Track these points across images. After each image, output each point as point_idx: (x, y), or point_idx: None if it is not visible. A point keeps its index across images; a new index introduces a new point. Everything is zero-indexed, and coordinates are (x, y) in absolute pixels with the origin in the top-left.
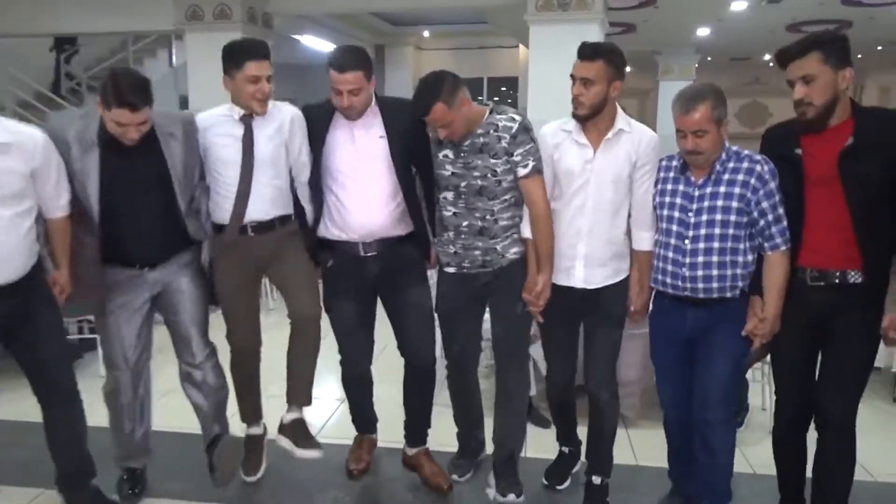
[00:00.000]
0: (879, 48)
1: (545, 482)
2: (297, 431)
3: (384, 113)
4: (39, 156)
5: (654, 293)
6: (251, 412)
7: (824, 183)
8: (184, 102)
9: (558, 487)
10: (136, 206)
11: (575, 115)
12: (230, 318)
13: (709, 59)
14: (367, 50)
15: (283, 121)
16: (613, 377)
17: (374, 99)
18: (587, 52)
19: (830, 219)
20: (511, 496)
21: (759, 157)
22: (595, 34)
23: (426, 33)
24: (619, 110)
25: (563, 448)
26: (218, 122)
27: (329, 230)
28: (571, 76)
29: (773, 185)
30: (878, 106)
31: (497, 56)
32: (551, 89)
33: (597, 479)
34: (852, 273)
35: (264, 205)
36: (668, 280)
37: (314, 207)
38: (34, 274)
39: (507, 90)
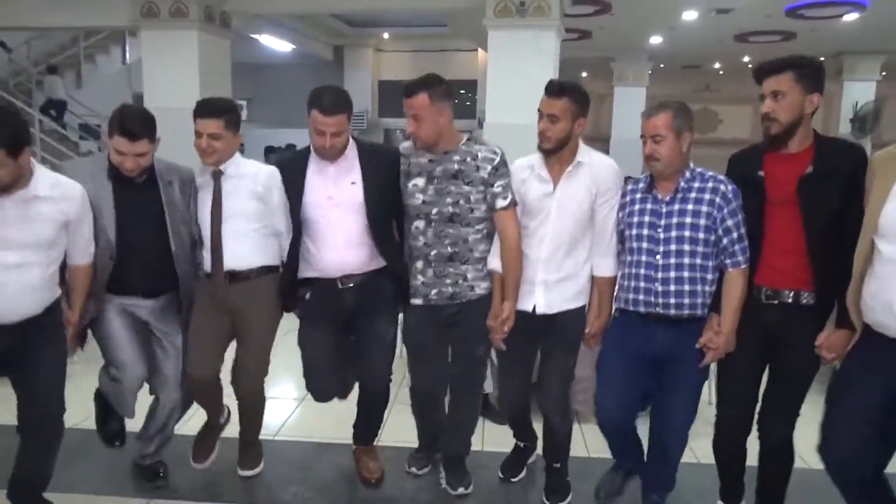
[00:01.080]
0: (822, 59)
1: (501, 475)
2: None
3: (361, 158)
4: (78, 207)
5: (617, 313)
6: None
7: (784, 205)
8: (138, 100)
9: (513, 479)
10: (145, 238)
11: (540, 149)
12: (191, 347)
13: (662, 66)
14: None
15: (256, 175)
16: (566, 400)
17: (350, 141)
18: (554, 89)
19: (787, 241)
20: (461, 489)
21: (722, 177)
22: (552, 40)
23: (386, 35)
24: (581, 144)
25: (519, 443)
26: (200, 174)
27: (305, 271)
28: (539, 111)
29: (735, 204)
30: (838, 137)
31: (456, 59)
32: (509, 93)
33: (557, 464)
34: (804, 294)
35: (241, 255)
36: (641, 297)
37: (291, 251)
38: (49, 311)
39: (465, 93)
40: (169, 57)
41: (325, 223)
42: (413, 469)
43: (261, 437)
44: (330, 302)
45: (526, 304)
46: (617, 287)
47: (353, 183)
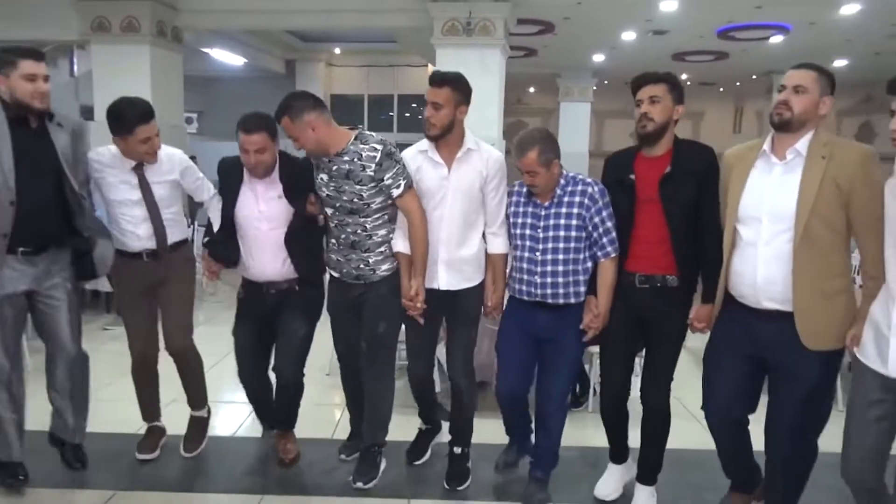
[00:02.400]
0: (754, 77)
1: (406, 460)
2: (196, 428)
3: (282, 172)
4: None
5: (509, 298)
6: (150, 413)
7: (649, 202)
8: (86, 112)
9: (416, 462)
10: (42, 185)
11: (427, 135)
12: (128, 327)
13: (605, 82)
14: (279, 63)
15: (172, 166)
16: (470, 366)
17: (277, 161)
18: (436, 79)
19: (655, 233)
20: (360, 483)
21: (590, 180)
22: (497, 58)
23: (337, 50)
24: (468, 132)
25: (422, 426)
26: (113, 165)
27: (241, 271)
28: (425, 100)
29: (602, 202)
30: (692, 139)
31: (407, 74)
32: None
33: (458, 450)
34: (670, 278)
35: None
36: (524, 288)
37: (223, 224)
38: None
39: (416, 107)
40: (121, 71)
41: (255, 235)
42: (342, 456)
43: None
44: (256, 302)
45: (430, 283)
46: (508, 278)
47: (278, 197)
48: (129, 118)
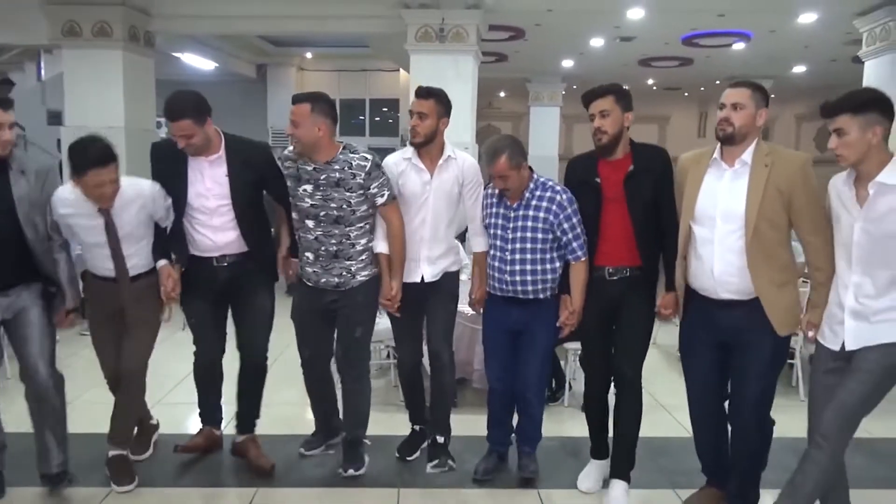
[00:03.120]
0: (717, 82)
1: (397, 454)
2: (117, 467)
3: (229, 155)
4: None
5: (487, 294)
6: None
7: (615, 201)
8: (53, 117)
9: (408, 459)
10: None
11: (412, 142)
12: (96, 347)
13: (574, 87)
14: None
15: (144, 200)
16: (450, 337)
17: (222, 139)
18: (422, 92)
19: (620, 228)
20: (351, 470)
21: (559, 187)
22: (470, 64)
23: (309, 54)
24: (447, 142)
25: (415, 427)
26: (78, 206)
27: (189, 248)
28: (410, 111)
29: (570, 210)
30: (647, 143)
31: (378, 78)
32: None
33: (440, 439)
34: (636, 268)
35: (132, 265)
36: (497, 284)
37: (174, 228)
38: None
39: (388, 111)
40: (92, 76)
41: (204, 210)
42: (302, 450)
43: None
44: (206, 276)
45: (414, 277)
46: (488, 275)
47: (226, 175)
48: (81, 160)
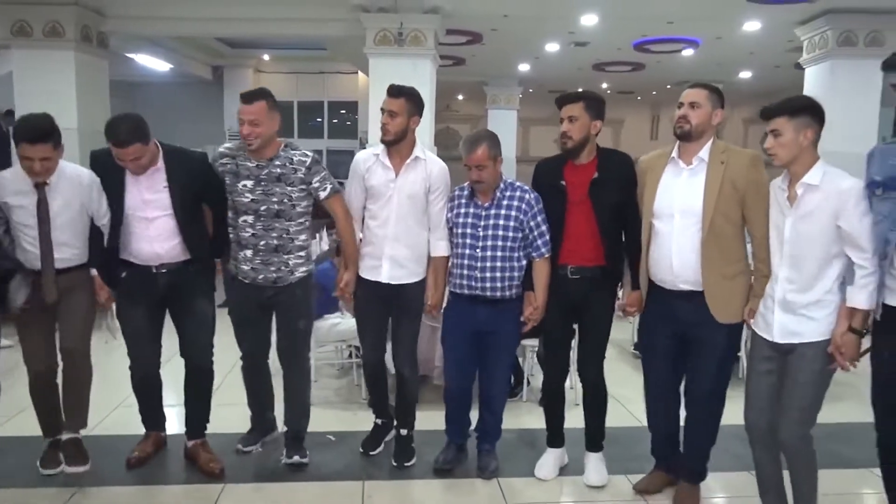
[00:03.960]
0: (669, 87)
1: (361, 449)
2: (71, 450)
3: (168, 165)
4: None
5: (450, 294)
6: (54, 427)
7: (580, 204)
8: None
9: (371, 453)
10: None
11: (382, 140)
12: (23, 343)
13: (531, 90)
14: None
15: (81, 188)
16: (414, 356)
17: (160, 150)
18: (393, 91)
19: (585, 230)
20: (296, 457)
21: (527, 187)
22: (428, 67)
23: (266, 56)
24: (418, 142)
25: (377, 420)
26: (13, 183)
27: (124, 255)
28: (381, 109)
29: (537, 209)
30: (613, 148)
31: (337, 81)
32: None
33: (403, 431)
34: (599, 268)
35: (66, 257)
36: (465, 282)
37: (112, 234)
38: None
39: (346, 113)
40: (44, 76)
41: (142, 221)
42: (240, 446)
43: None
44: (145, 284)
45: (377, 276)
46: (449, 275)
47: (164, 187)
48: (16, 132)
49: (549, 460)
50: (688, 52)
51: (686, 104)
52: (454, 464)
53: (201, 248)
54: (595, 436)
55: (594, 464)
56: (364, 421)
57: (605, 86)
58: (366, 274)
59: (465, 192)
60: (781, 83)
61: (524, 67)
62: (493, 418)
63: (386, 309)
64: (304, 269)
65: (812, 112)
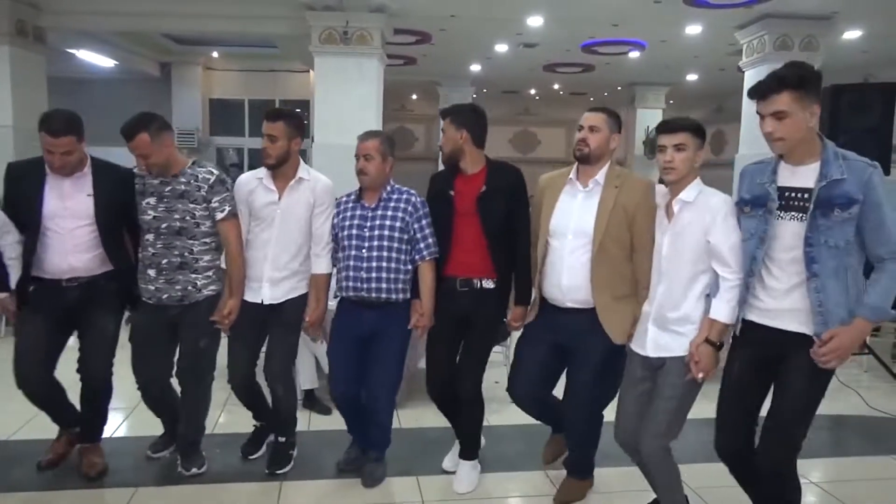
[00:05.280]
0: (619, 88)
1: (241, 453)
2: None
3: (95, 174)
4: None
5: (337, 301)
6: None
7: (468, 215)
8: None
9: (251, 457)
10: None
11: (265, 165)
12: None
13: (484, 90)
14: (153, 66)
15: None
16: (289, 374)
17: (88, 159)
18: (272, 115)
19: (472, 241)
20: (194, 469)
21: (413, 192)
22: (374, 66)
23: (215, 54)
24: (301, 162)
25: (256, 423)
26: None
27: (33, 270)
28: (262, 133)
29: (422, 212)
30: (501, 160)
31: (289, 79)
32: (336, 115)
33: (281, 438)
34: (488, 280)
35: None
36: (351, 284)
37: (26, 250)
38: None
39: (299, 112)
40: None
41: (59, 231)
42: (149, 452)
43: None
44: (51, 298)
45: (256, 297)
46: (335, 279)
47: (88, 195)
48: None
49: (456, 454)
50: (635, 55)
51: (586, 128)
52: (357, 464)
53: (123, 261)
54: (469, 445)
55: (466, 471)
56: (298, 421)
57: (556, 86)
58: (247, 296)
59: (352, 196)
60: (727, 85)
61: (476, 68)
62: (379, 430)
63: (262, 331)
64: (212, 287)
65: (705, 136)
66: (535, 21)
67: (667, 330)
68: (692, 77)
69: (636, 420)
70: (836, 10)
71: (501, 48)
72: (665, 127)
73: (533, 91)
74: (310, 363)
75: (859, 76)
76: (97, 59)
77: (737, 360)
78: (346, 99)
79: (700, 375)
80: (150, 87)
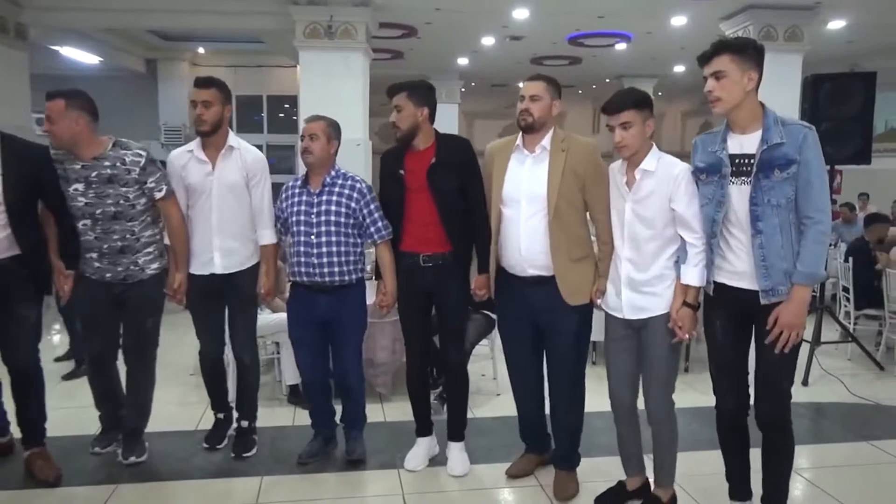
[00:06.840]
0: (607, 80)
1: (205, 445)
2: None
3: (4, 151)
4: None
5: (291, 285)
6: None
7: (420, 191)
8: None
9: (218, 447)
10: None
11: (198, 131)
12: None
13: (473, 84)
14: (139, 62)
15: None
16: (253, 343)
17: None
18: (202, 81)
19: (427, 217)
20: (132, 458)
21: (359, 178)
22: (360, 60)
23: (201, 49)
24: (231, 132)
25: (218, 415)
26: None
27: None
28: (191, 101)
29: (369, 197)
30: (450, 133)
31: (276, 74)
32: (323, 110)
33: (244, 423)
34: (448, 254)
35: None
36: (303, 269)
37: None
38: None
39: (288, 107)
40: None
41: None
42: (97, 448)
43: None
44: None
45: (210, 269)
46: (289, 266)
47: None
48: None
49: (419, 451)
50: (621, 47)
51: (527, 97)
52: (318, 456)
53: (34, 245)
54: (457, 425)
55: (456, 454)
56: (282, 416)
57: None
58: (198, 270)
59: (298, 182)
60: None
61: (463, 61)
62: (355, 407)
63: (220, 302)
64: (155, 265)
65: (650, 105)
66: (520, 13)
67: (640, 292)
68: (679, 69)
69: (629, 381)
70: (820, 1)
71: (488, 41)
72: (607, 108)
73: (521, 84)
74: (293, 359)
75: (846, 66)
76: (82, 56)
77: (717, 320)
78: (332, 94)
79: (686, 336)
80: (135, 83)
